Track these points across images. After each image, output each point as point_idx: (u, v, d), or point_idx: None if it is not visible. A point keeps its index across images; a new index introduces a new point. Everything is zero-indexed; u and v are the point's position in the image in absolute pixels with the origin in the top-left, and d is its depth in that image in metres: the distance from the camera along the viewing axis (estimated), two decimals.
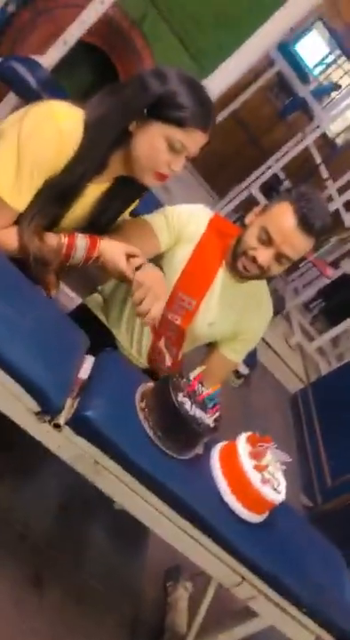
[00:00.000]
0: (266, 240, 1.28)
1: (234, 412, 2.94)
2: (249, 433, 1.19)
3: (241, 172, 5.19)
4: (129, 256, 1.14)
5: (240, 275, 1.37)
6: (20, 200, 1.05)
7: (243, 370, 3.20)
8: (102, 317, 1.51)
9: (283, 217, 1.26)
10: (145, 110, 1.04)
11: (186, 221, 1.37)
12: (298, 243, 1.28)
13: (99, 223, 1.21)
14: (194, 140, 1.07)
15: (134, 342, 1.47)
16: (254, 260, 1.30)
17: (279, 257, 1.30)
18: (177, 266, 1.39)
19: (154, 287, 1.12)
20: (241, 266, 1.34)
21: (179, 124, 1.04)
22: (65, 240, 1.10)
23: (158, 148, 1.06)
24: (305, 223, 1.25)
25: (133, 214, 1.92)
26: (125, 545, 1.64)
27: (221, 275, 1.41)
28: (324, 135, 5.69)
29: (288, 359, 4.52)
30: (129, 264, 1.13)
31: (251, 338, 1.53)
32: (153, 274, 1.15)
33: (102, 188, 1.16)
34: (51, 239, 1.10)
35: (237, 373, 3.17)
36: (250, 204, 4.91)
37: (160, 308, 1.14)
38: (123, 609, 1.49)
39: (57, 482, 1.55)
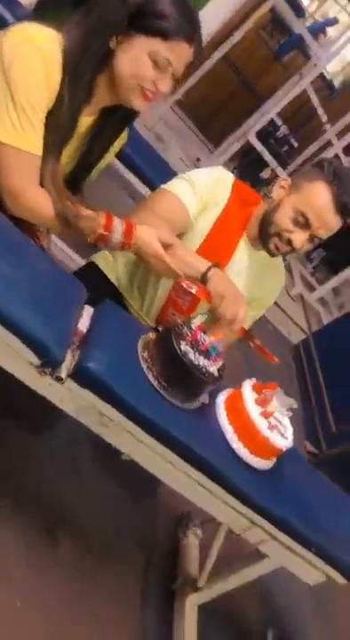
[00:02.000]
0: (303, 224, 1.27)
1: (237, 365, 2.94)
2: (253, 380, 1.17)
3: (236, 120, 5.01)
4: (165, 246, 1.14)
5: (270, 254, 1.36)
6: (37, 142, 1.00)
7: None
8: (112, 277, 1.47)
9: (321, 200, 1.24)
10: (125, 24, 0.97)
11: (211, 188, 1.33)
12: (333, 225, 1.28)
13: (90, 155, 1.17)
14: (178, 54, 1.00)
15: (145, 307, 1.44)
16: (289, 242, 1.29)
17: (313, 238, 1.30)
18: (200, 233, 1.35)
19: (233, 294, 1.16)
20: (273, 246, 1.32)
21: (162, 35, 0.98)
22: (102, 220, 1.07)
23: (142, 63, 1.00)
24: (343, 208, 1.25)
25: (127, 161, 1.83)
26: (136, 494, 1.66)
27: (242, 244, 1.39)
28: (322, 77, 5.46)
29: (289, 310, 4.50)
30: (167, 252, 1.13)
31: (265, 303, 1.52)
32: (224, 279, 1.18)
33: (90, 121, 1.11)
34: (87, 213, 1.06)
35: None
36: (247, 152, 4.78)
37: (245, 312, 1.17)
38: (136, 557, 1.52)
39: (66, 439, 1.54)
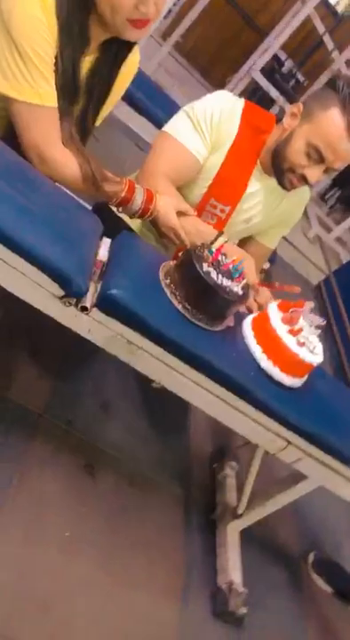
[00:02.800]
0: (317, 157, 1.20)
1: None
2: (279, 300, 1.16)
3: (238, 60, 4.81)
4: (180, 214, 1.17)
5: (284, 188, 1.31)
6: (51, 95, 0.99)
7: (264, 264, 3.14)
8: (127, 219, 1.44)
9: (334, 131, 1.15)
10: None
11: (218, 126, 1.25)
12: (348, 156, 1.20)
13: (93, 97, 1.13)
14: None
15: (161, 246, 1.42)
16: (303, 177, 1.24)
17: (328, 170, 1.24)
18: (210, 171, 1.30)
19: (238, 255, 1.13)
20: (288, 183, 1.28)
21: None
22: (124, 185, 1.10)
23: None
24: None
25: (137, 106, 1.76)
26: (168, 432, 1.69)
27: (256, 174, 1.33)
28: (325, 3, 5.17)
29: (307, 252, 4.43)
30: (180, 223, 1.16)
31: (289, 222, 1.49)
32: (230, 248, 1.16)
33: (90, 61, 1.08)
34: (111, 177, 1.09)
35: None
36: (254, 90, 4.60)
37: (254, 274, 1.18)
38: (174, 491, 1.56)
39: (94, 382, 1.57)
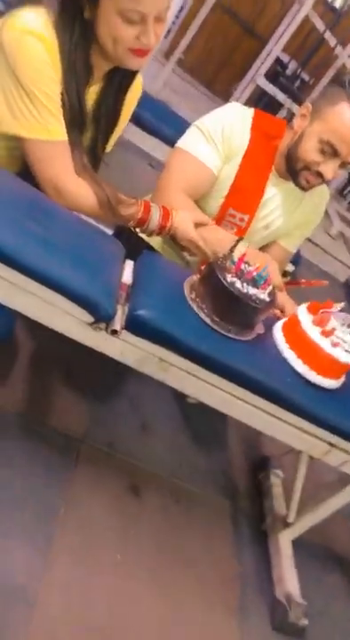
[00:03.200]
0: (331, 152, 1.20)
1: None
2: (308, 303, 1.14)
3: (242, 68, 4.84)
4: (197, 225, 1.18)
5: (302, 189, 1.31)
6: (60, 129, 1.02)
7: (289, 267, 3.11)
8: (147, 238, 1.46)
9: (346, 124, 1.16)
10: None
11: (229, 138, 1.27)
12: None
13: (100, 126, 1.16)
14: (149, 3, 0.93)
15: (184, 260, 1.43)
16: (319, 174, 1.24)
17: (344, 165, 1.23)
18: (225, 183, 1.32)
19: (260, 259, 1.13)
20: (304, 181, 1.28)
21: None
22: (140, 206, 1.12)
23: (116, 25, 0.95)
24: None
25: (145, 127, 1.79)
26: (210, 447, 1.68)
27: (272, 180, 1.34)
28: (322, 1, 5.16)
29: (332, 250, 4.36)
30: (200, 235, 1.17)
31: (310, 224, 1.49)
32: (250, 253, 1.14)
33: (95, 91, 1.11)
34: (127, 199, 1.12)
35: (283, 272, 3.09)
36: (260, 97, 4.61)
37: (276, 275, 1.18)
38: (221, 503, 1.54)
39: (130, 403, 1.58)
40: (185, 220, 1.16)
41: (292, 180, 1.31)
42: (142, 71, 1.20)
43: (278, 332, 1.13)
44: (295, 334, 1.09)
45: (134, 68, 1.07)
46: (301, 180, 1.28)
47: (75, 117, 1.05)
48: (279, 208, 1.38)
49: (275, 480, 1.66)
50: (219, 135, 1.26)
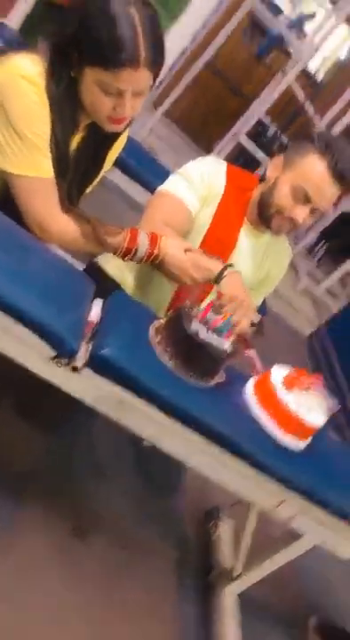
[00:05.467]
0: (302, 198, 1.26)
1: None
2: (289, 368, 1.17)
3: (225, 124, 5.06)
4: (187, 250, 1.16)
5: (274, 233, 1.36)
6: (47, 167, 1.04)
7: (255, 317, 3.19)
8: (116, 275, 1.47)
9: (317, 173, 1.23)
10: (72, 54, 0.96)
11: (208, 182, 1.33)
12: (333, 196, 1.27)
13: (80, 172, 1.18)
14: (127, 81, 0.95)
15: (149, 304, 1.45)
16: (291, 219, 1.29)
17: (314, 211, 1.29)
18: (201, 228, 1.36)
19: (243, 299, 1.12)
20: (276, 226, 1.33)
21: (102, 65, 0.93)
22: (126, 234, 1.10)
23: (95, 94, 0.98)
24: (340, 177, 1.23)
25: (128, 172, 1.84)
26: (162, 492, 1.66)
27: (244, 231, 1.40)
28: (305, 73, 5.53)
29: (298, 304, 4.50)
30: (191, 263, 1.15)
31: (273, 281, 1.54)
32: (236, 282, 1.15)
33: (78, 139, 1.13)
34: (113, 229, 1.11)
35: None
36: (240, 153, 4.82)
37: (249, 320, 1.14)
38: (168, 552, 1.51)
39: (88, 438, 1.56)
40: (175, 245, 1.15)
41: (265, 225, 1.36)
42: None
43: (249, 387, 1.15)
44: (265, 391, 1.12)
45: (111, 131, 1.10)
46: (273, 224, 1.33)
47: (58, 161, 1.07)
48: (248, 258, 1.43)
49: (225, 531, 1.64)
50: (199, 179, 1.32)
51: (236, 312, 1.10)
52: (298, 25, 5.32)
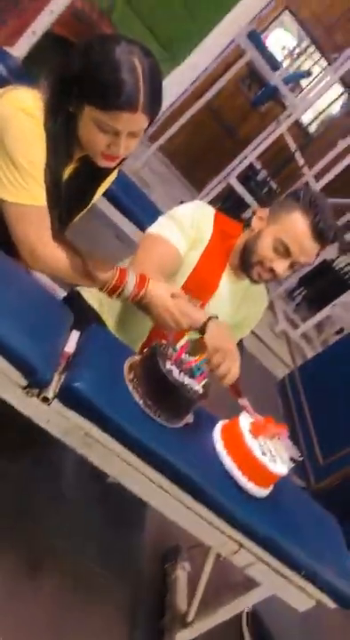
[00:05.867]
0: (283, 252, 1.32)
1: (222, 399, 2.95)
2: (257, 417, 1.18)
3: (217, 164, 5.21)
4: (173, 296, 1.18)
5: (253, 281, 1.41)
6: (40, 195, 1.06)
7: None
8: (96, 306, 1.48)
9: (299, 229, 1.29)
10: (73, 91, 1.00)
11: (196, 226, 1.38)
12: (312, 252, 1.33)
13: (70, 202, 1.20)
14: (123, 123, 0.99)
15: (127, 339, 1.46)
16: (271, 270, 1.34)
17: (293, 265, 1.34)
18: (186, 269, 1.40)
19: (229, 349, 1.14)
20: (256, 275, 1.37)
21: (101, 106, 0.97)
22: (116, 272, 1.13)
23: (92, 131, 1.02)
24: (320, 235, 1.29)
25: (116, 202, 1.89)
26: (121, 528, 1.63)
27: (225, 275, 1.44)
28: (298, 125, 5.75)
29: (274, 346, 4.56)
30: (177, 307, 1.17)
31: (248, 326, 1.58)
32: (221, 333, 1.17)
33: (70, 170, 1.16)
34: (103, 266, 1.13)
35: None
36: (229, 194, 4.95)
37: (237, 368, 1.16)
38: (122, 592, 1.48)
39: (49, 467, 1.53)
40: (162, 289, 1.17)
41: (245, 272, 1.40)
42: None
43: (217, 431, 1.16)
44: (232, 436, 1.13)
45: (104, 166, 1.13)
46: (254, 273, 1.38)
47: (51, 191, 1.09)
48: (227, 302, 1.47)
49: (181, 573, 1.62)
50: (189, 223, 1.37)
51: (223, 362, 1.13)
52: (294, 80, 5.58)
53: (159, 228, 1.37)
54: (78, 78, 0.98)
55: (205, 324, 1.17)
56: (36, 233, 1.08)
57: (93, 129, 1.01)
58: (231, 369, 1.15)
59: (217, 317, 1.22)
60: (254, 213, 1.42)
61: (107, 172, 1.23)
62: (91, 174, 1.20)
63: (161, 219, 1.40)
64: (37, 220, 1.08)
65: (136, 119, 1.00)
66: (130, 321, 1.44)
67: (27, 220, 1.06)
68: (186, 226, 1.36)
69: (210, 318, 1.19)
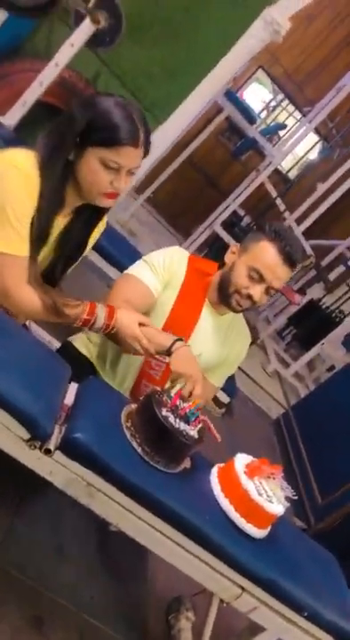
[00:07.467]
0: (257, 278, 1.41)
1: (220, 441, 2.96)
2: (249, 458, 1.22)
3: (202, 213, 5.41)
4: (141, 324, 1.29)
5: (233, 310, 1.49)
6: (22, 247, 1.16)
7: (224, 398, 3.25)
8: (88, 354, 1.57)
9: (269, 255, 1.40)
10: (77, 139, 1.13)
11: (169, 268, 1.47)
12: (284, 276, 1.43)
13: (64, 254, 1.30)
14: (127, 157, 1.14)
15: (117, 382, 1.52)
16: (248, 296, 1.42)
17: (268, 290, 1.43)
18: (163, 309, 1.48)
19: (192, 374, 1.27)
20: (235, 303, 1.45)
21: (108, 144, 1.12)
22: (86, 307, 1.24)
23: (96, 170, 1.14)
24: (289, 258, 1.40)
25: (101, 251, 1.99)
26: (124, 580, 1.62)
27: (205, 311, 1.52)
28: (278, 171, 6.01)
29: (267, 386, 4.59)
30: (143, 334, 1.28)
31: (233, 363, 1.64)
32: (185, 357, 1.29)
33: (64, 222, 1.26)
34: (74, 302, 1.23)
35: (219, 402, 3.21)
36: (214, 240, 5.11)
37: (199, 390, 1.27)
38: None
39: (50, 523, 1.54)
40: (129, 317, 1.27)
41: (224, 303, 1.48)
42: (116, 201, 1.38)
43: (214, 474, 1.20)
44: (229, 479, 1.16)
45: (103, 206, 1.26)
46: (233, 302, 1.45)
47: (38, 237, 1.19)
48: (209, 336, 1.53)
49: (185, 624, 1.60)
50: (161, 263, 1.47)
51: (187, 383, 1.24)
52: (271, 132, 5.88)
53: (133, 269, 1.48)
54: (86, 126, 1.12)
55: (170, 347, 1.27)
56: (12, 278, 1.18)
57: (97, 168, 1.14)
58: (195, 390, 1.25)
59: (182, 340, 1.32)
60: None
61: (100, 217, 1.34)
62: (85, 222, 1.30)
63: (137, 262, 1.51)
64: (14, 268, 1.17)
65: (137, 154, 1.16)
66: (117, 361, 1.51)
67: (6, 268, 1.16)
68: (158, 267, 1.46)
69: (174, 342, 1.28)
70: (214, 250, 5.02)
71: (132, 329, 1.27)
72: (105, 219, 1.40)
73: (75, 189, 1.20)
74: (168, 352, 1.29)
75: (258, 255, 1.41)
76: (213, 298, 1.51)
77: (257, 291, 1.41)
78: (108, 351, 1.53)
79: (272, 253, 1.39)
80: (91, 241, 1.39)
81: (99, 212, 1.32)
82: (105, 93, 1.18)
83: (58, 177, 1.16)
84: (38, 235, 1.18)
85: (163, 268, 1.46)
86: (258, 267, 1.40)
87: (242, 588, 1.17)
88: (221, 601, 1.22)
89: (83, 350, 1.57)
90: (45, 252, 1.26)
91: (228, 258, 1.48)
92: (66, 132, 1.13)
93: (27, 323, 1.41)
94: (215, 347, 1.54)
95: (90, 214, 1.30)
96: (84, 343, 1.59)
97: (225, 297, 1.46)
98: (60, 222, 1.24)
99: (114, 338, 1.31)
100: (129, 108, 1.14)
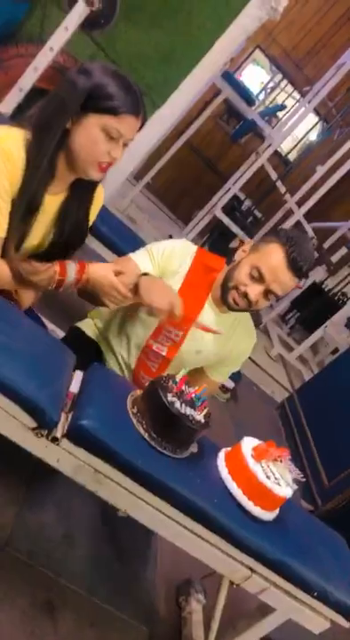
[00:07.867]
0: (258, 277, 1.39)
1: (225, 426, 2.97)
2: (255, 441, 1.22)
3: (202, 198, 5.36)
4: (117, 273, 1.26)
5: (229, 307, 1.46)
6: (1, 227, 1.13)
7: (229, 384, 3.26)
8: (93, 336, 1.57)
9: (274, 258, 1.37)
10: (79, 107, 1.11)
11: (168, 257, 1.45)
12: (286, 282, 1.39)
13: (63, 233, 1.28)
14: (128, 126, 1.13)
15: (120, 369, 1.52)
16: (245, 295, 1.40)
17: (267, 293, 1.40)
18: None
19: (158, 286, 1.26)
20: (231, 299, 1.43)
21: (113, 112, 1.11)
22: (56, 267, 1.21)
23: (96, 138, 1.12)
24: (294, 266, 1.36)
25: (102, 238, 1.97)
26: (133, 565, 1.64)
27: (208, 307, 1.49)
28: (278, 154, 5.95)
29: (271, 370, 4.60)
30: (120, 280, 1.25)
31: (236, 360, 1.62)
32: (150, 280, 1.28)
33: (58, 200, 1.24)
34: (43, 267, 1.20)
35: (223, 388, 3.22)
36: (215, 225, 5.08)
37: (174, 297, 1.26)
38: (138, 628, 1.48)
39: (58, 510, 1.55)
40: (103, 267, 1.26)
41: (222, 297, 1.46)
42: (113, 189, 1.36)
43: (221, 458, 1.19)
44: (236, 462, 1.16)
45: (95, 179, 1.23)
46: (229, 298, 1.43)
47: (27, 210, 1.17)
48: (210, 335, 1.50)
49: (196, 606, 1.62)
50: (160, 252, 1.46)
51: (159, 298, 1.23)
52: (270, 113, 5.80)
53: (133, 253, 1.47)
54: (89, 93, 1.10)
55: (138, 280, 1.25)
56: None
57: (97, 136, 1.12)
58: (170, 300, 1.23)
59: (148, 274, 1.31)
60: (241, 242, 1.49)
61: (93, 190, 1.32)
62: (79, 199, 1.28)
63: (140, 249, 1.49)
64: None
65: (136, 125, 1.16)
66: (119, 347, 1.51)
67: None
68: (157, 255, 1.45)
69: (141, 276, 1.27)
70: (215, 235, 5.00)
71: (109, 278, 1.24)
72: (101, 197, 1.38)
73: (66, 161, 1.17)
74: (136, 288, 1.26)
75: (264, 255, 1.38)
76: (216, 296, 1.48)
77: (254, 290, 1.39)
78: (110, 335, 1.53)
79: (278, 256, 1.37)
80: (91, 218, 1.37)
81: (91, 189, 1.30)
82: (95, 62, 1.15)
83: (52, 144, 1.13)
84: (27, 207, 1.16)
85: (160, 256, 1.45)
86: (261, 266, 1.37)
87: (252, 570, 1.18)
88: (231, 583, 1.23)
89: (90, 333, 1.57)
90: (43, 233, 1.24)
91: (239, 255, 1.46)
92: (67, 97, 1.11)
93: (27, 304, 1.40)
94: (215, 344, 1.52)
95: (83, 191, 1.28)
96: (91, 326, 1.60)
97: (223, 292, 1.44)
98: (54, 201, 1.22)
99: (89, 294, 1.28)
100: (129, 79, 1.14)
